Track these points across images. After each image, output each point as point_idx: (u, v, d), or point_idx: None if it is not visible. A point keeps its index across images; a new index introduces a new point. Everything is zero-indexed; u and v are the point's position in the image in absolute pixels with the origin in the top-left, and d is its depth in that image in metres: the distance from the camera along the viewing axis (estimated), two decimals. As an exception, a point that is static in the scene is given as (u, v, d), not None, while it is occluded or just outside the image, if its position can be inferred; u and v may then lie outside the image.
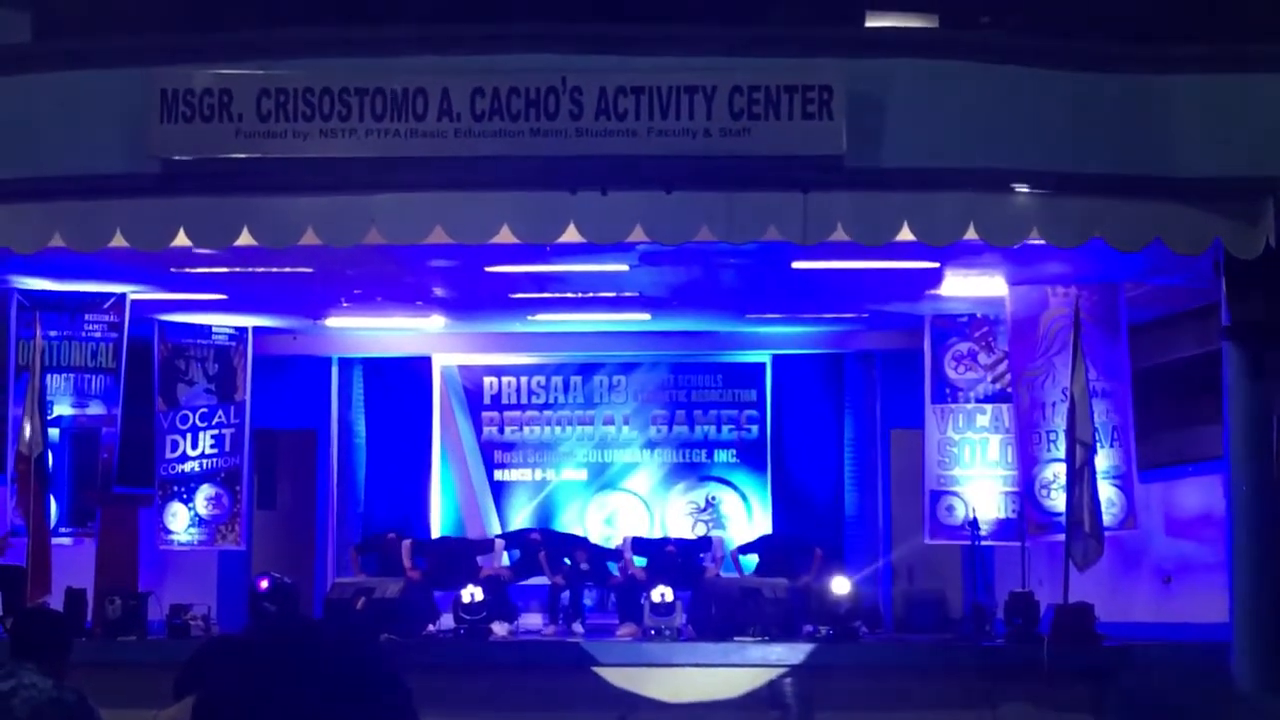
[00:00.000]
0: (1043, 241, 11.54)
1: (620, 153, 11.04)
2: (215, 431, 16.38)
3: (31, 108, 11.52)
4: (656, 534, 17.27)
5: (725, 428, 17.93)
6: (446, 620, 15.26)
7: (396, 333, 17.24)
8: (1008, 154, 11.35)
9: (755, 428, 17.94)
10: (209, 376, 16.41)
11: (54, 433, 14.52)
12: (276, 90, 11.16)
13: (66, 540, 14.67)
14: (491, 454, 18.09)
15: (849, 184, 11.21)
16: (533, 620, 15.94)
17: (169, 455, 16.16)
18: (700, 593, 15.49)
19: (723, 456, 17.93)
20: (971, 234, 11.32)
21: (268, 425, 17.34)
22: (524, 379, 18.10)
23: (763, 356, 17.89)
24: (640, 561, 16.21)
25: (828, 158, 11.06)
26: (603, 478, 17.94)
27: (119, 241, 11.55)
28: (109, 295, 14.79)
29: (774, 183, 11.18)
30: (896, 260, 12.97)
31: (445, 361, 18.13)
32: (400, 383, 18.23)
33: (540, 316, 16.36)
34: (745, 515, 17.80)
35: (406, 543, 16.37)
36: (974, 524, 15.19)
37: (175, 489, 16.19)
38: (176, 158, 11.25)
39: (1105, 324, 14.36)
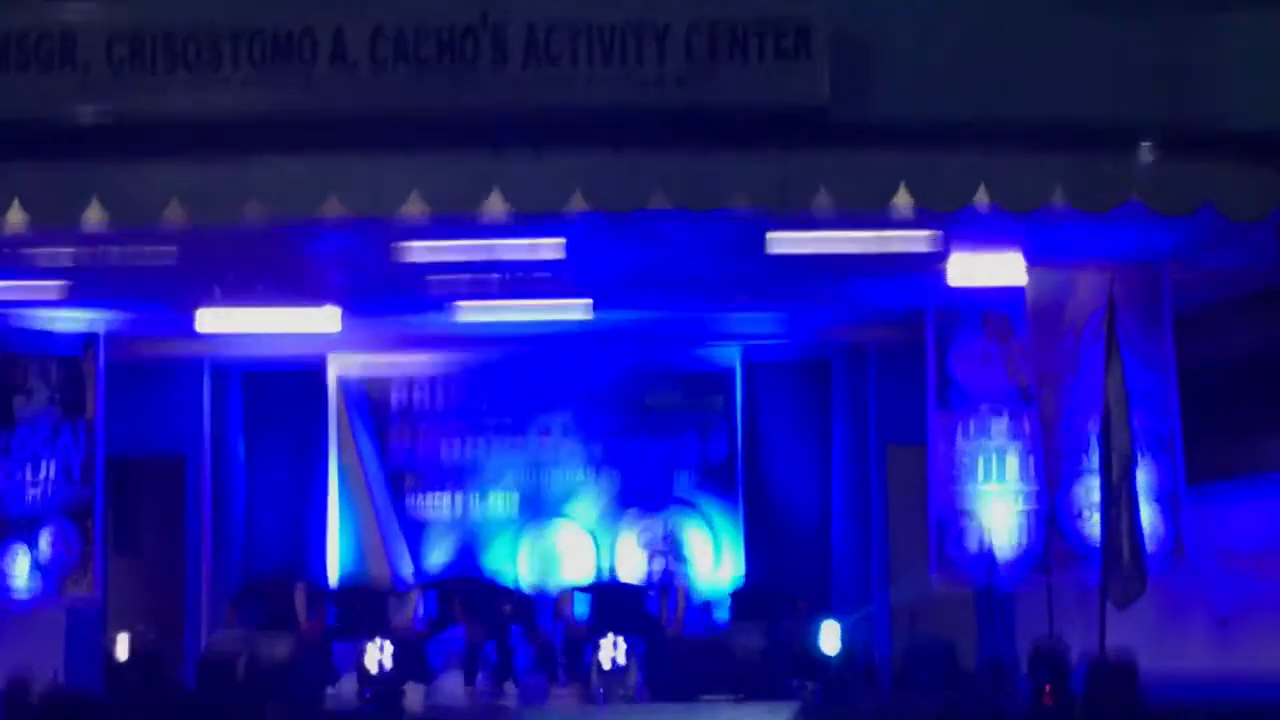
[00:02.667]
0: (1069, 207, 11.57)
1: (555, 104, 11.02)
2: (61, 458, 16.27)
3: None
4: (604, 574, 17.29)
5: (686, 443, 17.94)
6: (348, 685, 15.20)
7: (283, 332, 17.14)
8: (1024, 103, 11.38)
9: (723, 443, 17.94)
10: (52, 390, 16.30)
11: None
12: (131, 34, 11.11)
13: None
14: (402, 480, 18.05)
15: (834, 140, 11.23)
16: (454, 681, 15.89)
17: (3, 488, 16.02)
18: (658, 648, 15.49)
19: (684, 479, 17.94)
20: (982, 198, 11.37)
21: (125, 450, 17.19)
22: (440, 386, 18.05)
23: (732, 356, 17.91)
24: (582, 609, 16.21)
25: (808, 109, 11.07)
26: (538, 506, 17.91)
27: (-64, 219, 11.48)
28: (-76, 288, 14.68)
29: (742, 140, 11.20)
30: (892, 230, 12.97)
31: (343, 366, 18.08)
32: (288, 394, 18.17)
33: (459, 308, 16.30)
34: (712, 550, 17.80)
35: (300, 590, 16.30)
36: (990, 557, 15.22)
37: (12, 529, 16.06)
38: (8, 116, 11.15)
39: (1145, 312, 14.44)
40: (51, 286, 14.88)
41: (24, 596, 16.18)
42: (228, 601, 16.97)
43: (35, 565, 16.13)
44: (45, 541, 16.16)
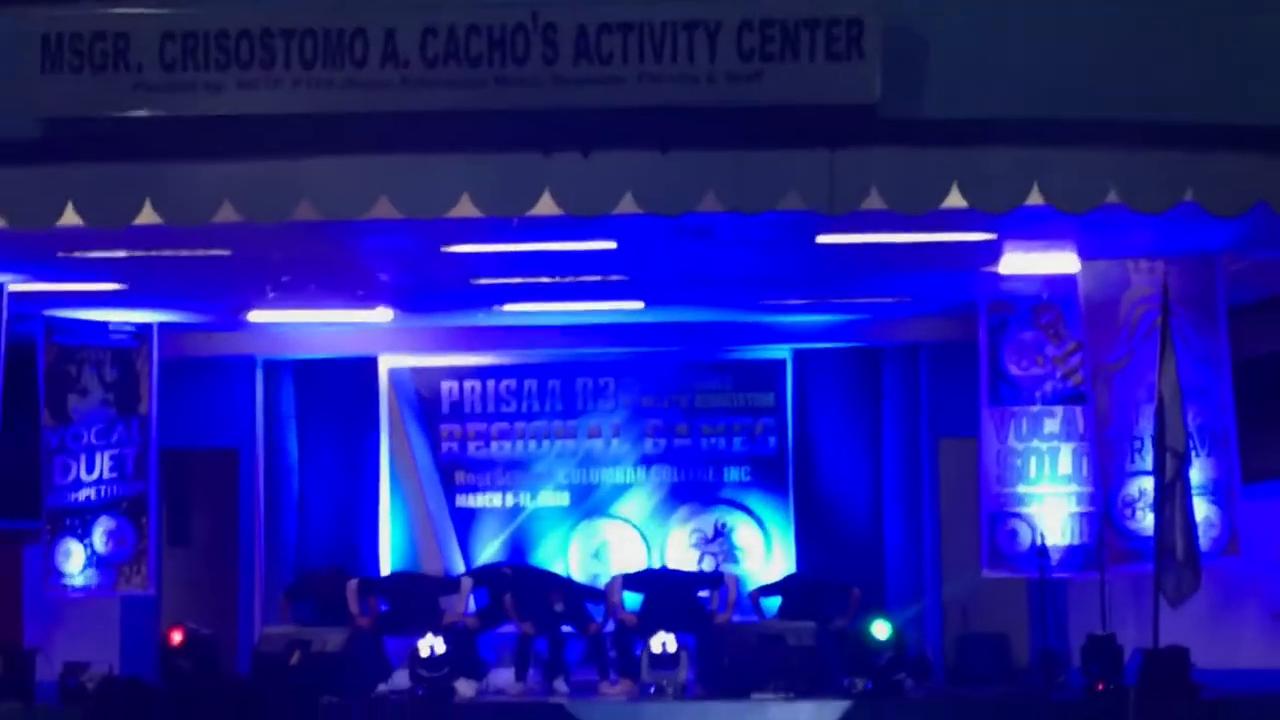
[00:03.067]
0: (1123, 206, 11.51)
1: (605, 105, 11.01)
2: (115, 452, 16.37)
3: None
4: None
5: (737, 439, 17.93)
6: (401, 678, 15.25)
7: (334, 328, 17.21)
8: (1077, 100, 11.31)
9: (773, 439, 17.93)
10: (106, 385, 16.39)
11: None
12: (183, 34, 11.12)
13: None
14: (452, 475, 18.09)
15: (885, 139, 11.19)
16: (506, 676, 15.93)
17: (59, 481, 16.14)
18: (709, 640, 15.51)
19: (734, 475, 17.93)
20: (1035, 198, 11.30)
21: (179, 444, 17.33)
22: (490, 383, 18.08)
23: (782, 351, 17.89)
24: (633, 602, 16.22)
25: (859, 108, 11.04)
26: (588, 503, 17.93)
27: (-7, 220, 11.53)
28: (-18, 287, 14.76)
29: (793, 139, 11.16)
30: (944, 232, 12.95)
31: (394, 363, 18.12)
32: (340, 390, 18.21)
33: (509, 307, 16.33)
34: (763, 546, 17.80)
35: (353, 582, 16.37)
36: (1042, 552, 15.20)
37: (67, 522, 16.17)
38: (62, 117, 11.20)
39: (1200, 306, 14.36)
40: (106, 287, 14.96)
41: (78, 589, 16.28)
42: (281, 594, 17.04)
43: (90, 559, 16.23)
44: (100, 536, 16.27)
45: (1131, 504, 14.48)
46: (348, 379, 18.14)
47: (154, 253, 13.51)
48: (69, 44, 11.11)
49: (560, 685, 15.58)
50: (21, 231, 11.73)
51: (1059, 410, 15.66)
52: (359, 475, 18.14)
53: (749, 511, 17.87)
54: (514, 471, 18.01)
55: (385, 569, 17.75)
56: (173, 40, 11.13)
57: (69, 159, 11.34)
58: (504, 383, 18.09)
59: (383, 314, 16.46)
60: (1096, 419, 14.70)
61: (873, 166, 11.22)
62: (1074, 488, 15.49)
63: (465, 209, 11.32)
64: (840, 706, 13.42)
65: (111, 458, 16.35)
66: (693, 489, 17.91)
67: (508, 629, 16.36)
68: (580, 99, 11.03)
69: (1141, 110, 11.31)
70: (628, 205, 11.27)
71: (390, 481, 18.07)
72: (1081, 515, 15.45)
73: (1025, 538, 15.60)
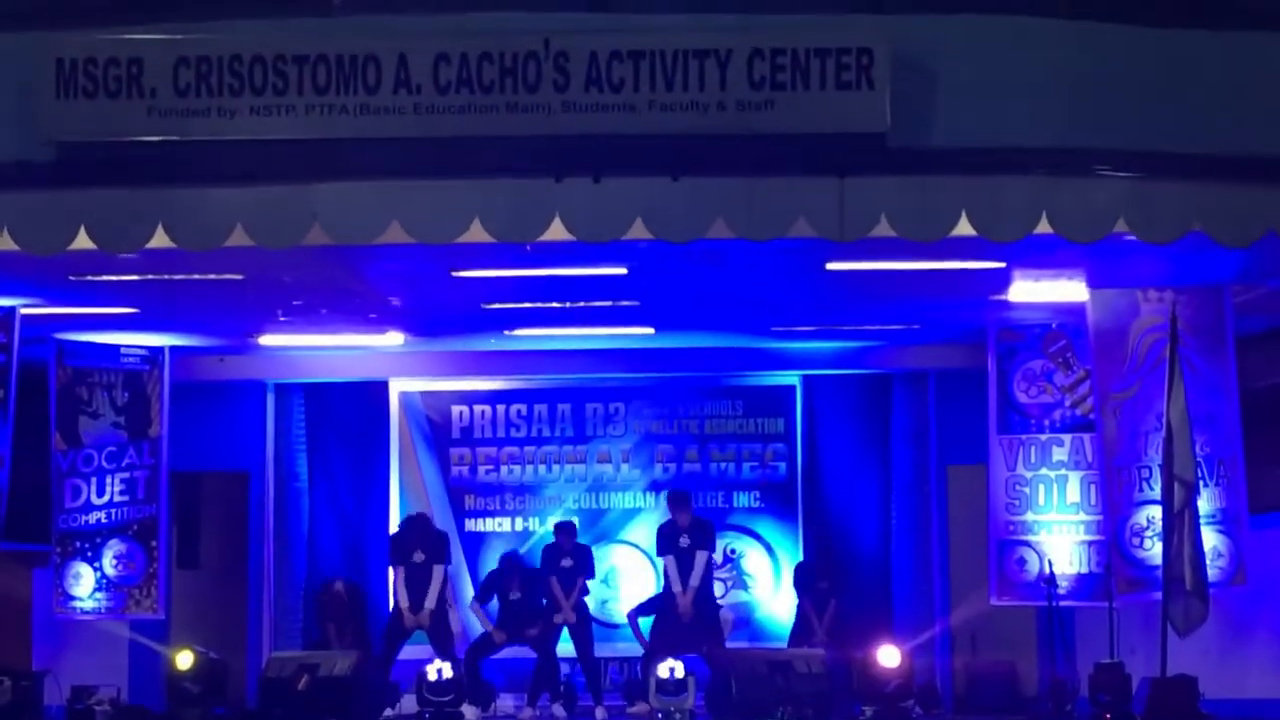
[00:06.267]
0: (1132, 236, 11.54)
1: (616, 131, 11.07)
2: (125, 475, 16.39)
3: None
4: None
5: (747, 465, 17.94)
6: (408, 702, 15.27)
7: (345, 353, 17.23)
8: (1086, 130, 11.37)
9: (783, 465, 17.95)
10: (117, 408, 16.42)
11: (-75, 477, 14.53)
12: (197, 59, 11.20)
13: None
14: (462, 500, 18.10)
15: (894, 168, 11.23)
16: (514, 701, 15.95)
17: (69, 504, 16.15)
18: (717, 667, 15.52)
19: (744, 500, 17.94)
20: (1044, 227, 11.34)
21: (189, 467, 17.35)
22: (500, 408, 18.10)
23: (792, 378, 17.91)
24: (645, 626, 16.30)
25: (868, 136, 11.09)
26: (598, 528, 17.93)
27: (6, 243, 11.54)
28: (-6, 309, 14.81)
29: (803, 167, 11.20)
30: (953, 260, 12.98)
31: (405, 387, 18.14)
32: (350, 413, 18.23)
33: (520, 332, 16.37)
34: (772, 572, 17.79)
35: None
36: (1051, 580, 15.20)
37: (77, 545, 16.18)
38: (76, 141, 11.26)
39: (1209, 335, 14.37)
40: (118, 311, 14.99)
41: (87, 613, 16.29)
42: (314, 604, 17.03)
43: (100, 582, 16.24)
44: (110, 559, 16.27)
45: (1140, 533, 14.48)
46: (358, 403, 18.16)
47: (166, 277, 13.55)
48: (83, 69, 11.19)
49: (559, 710, 15.61)
50: (34, 255, 11.78)
51: (1067, 438, 15.68)
52: (369, 499, 18.14)
53: (758, 538, 17.87)
54: (523, 496, 18.01)
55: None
56: (186, 66, 11.21)
57: (82, 183, 11.38)
58: (514, 407, 18.10)
59: (393, 338, 16.51)
60: (1105, 447, 14.71)
61: (882, 195, 11.26)
62: (1082, 516, 15.51)
63: (476, 234, 11.36)
64: (848, 734, 13.43)
65: (122, 481, 16.37)
66: (703, 515, 17.90)
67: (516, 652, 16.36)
68: (591, 126, 11.10)
69: (1149, 140, 11.37)
70: (638, 231, 11.32)
71: (400, 505, 18.05)
72: (1090, 544, 15.46)
73: (1034, 566, 15.61)
